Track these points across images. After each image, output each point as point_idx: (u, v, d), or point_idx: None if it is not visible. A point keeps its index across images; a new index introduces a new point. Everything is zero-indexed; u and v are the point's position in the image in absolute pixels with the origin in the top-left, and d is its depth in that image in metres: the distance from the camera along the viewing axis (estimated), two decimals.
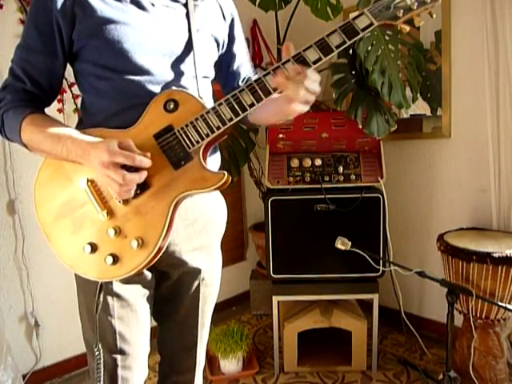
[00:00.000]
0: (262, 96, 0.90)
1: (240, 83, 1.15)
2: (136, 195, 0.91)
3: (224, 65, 1.14)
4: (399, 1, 0.86)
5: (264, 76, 0.90)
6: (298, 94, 0.87)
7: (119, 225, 0.91)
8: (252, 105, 0.91)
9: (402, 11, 0.86)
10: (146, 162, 0.87)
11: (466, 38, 2.15)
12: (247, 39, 2.66)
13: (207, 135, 0.91)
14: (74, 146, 0.88)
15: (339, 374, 2.11)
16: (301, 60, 0.88)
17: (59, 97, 1.99)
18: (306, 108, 0.91)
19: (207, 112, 0.91)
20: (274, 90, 0.90)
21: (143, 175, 0.87)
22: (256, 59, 2.74)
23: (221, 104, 0.91)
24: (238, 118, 0.91)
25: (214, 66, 1.13)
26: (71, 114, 2.09)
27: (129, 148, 0.86)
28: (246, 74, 1.16)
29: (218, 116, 0.91)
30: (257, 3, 2.26)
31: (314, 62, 0.88)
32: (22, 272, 2.04)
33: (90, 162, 0.87)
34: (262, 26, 2.76)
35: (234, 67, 1.14)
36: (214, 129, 0.91)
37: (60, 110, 2.02)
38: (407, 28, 0.90)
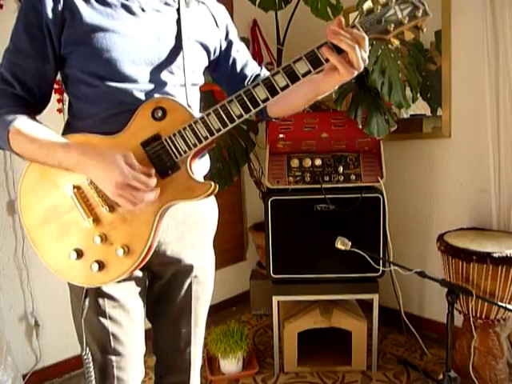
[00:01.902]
0: (251, 107, 0.90)
1: (247, 83, 1.14)
2: None
3: (226, 70, 1.13)
4: (390, 14, 0.86)
5: (253, 87, 0.89)
6: (354, 49, 0.82)
7: (105, 232, 0.91)
8: (240, 116, 0.90)
9: (392, 25, 0.86)
10: (152, 182, 0.87)
11: (466, 38, 2.15)
12: (247, 39, 2.66)
13: (195, 145, 0.91)
14: (64, 157, 0.88)
15: (339, 373, 2.11)
16: (290, 72, 0.87)
17: (59, 97, 1.99)
18: (350, 76, 0.87)
19: (195, 122, 0.90)
20: (263, 101, 0.89)
21: (154, 194, 0.88)
22: (256, 59, 2.74)
23: (209, 114, 0.90)
24: (226, 128, 0.91)
25: (215, 72, 1.14)
26: None
27: (133, 166, 0.86)
28: (251, 73, 1.15)
29: (206, 126, 0.90)
30: (257, 3, 2.26)
31: (304, 75, 0.88)
32: (22, 272, 2.04)
33: (89, 173, 0.87)
34: (262, 26, 2.76)
35: (238, 70, 1.14)
36: (202, 139, 0.90)
37: (60, 110, 2.02)
38: (397, 42, 0.89)
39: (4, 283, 2.00)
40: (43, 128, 0.93)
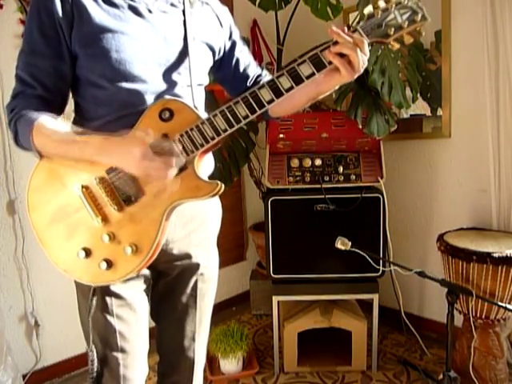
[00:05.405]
0: (256, 108, 0.92)
1: (250, 84, 1.17)
2: (130, 202, 0.93)
3: (229, 70, 1.15)
4: (390, 19, 0.89)
5: (258, 89, 0.91)
6: (355, 52, 0.87)
7: (113, 231, 0.93)
8: (246, 116, 0.92)
9: (393, 29, 0.89)
10: (177, 149, 0.91)
11: (466, 38, 2.15)
12: (247, 39, 2.66)
13: (202, 145, 0.92)
14: (86, 145, 0.89)
15: (339, 374, 2.11)
16: (294, 74, 0.90)
17: None
18: (350, 78, 0.91)
19: (202, 123, 0.92)
20: (268, 102, 0.91)
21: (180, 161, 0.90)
22: (256, 59, 2.74)
23: (216, 115, 0.92)
24: (233, 129, 0.93)
25: (219, 71, 1.16)
26: (71, 114, 2.08)
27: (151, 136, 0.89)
28: (253, 73, 1.18)
29: (213, 127, 0.92)
30: (257, 3, 2.27)
31: (308, 77, 0.90)
32: (22, 272, 2.04)
33: (111, 155, 0.89)
34: (262, 26, 2.76)
35: (241, 70, 1.16)
36: (209, 139, 0.92)
37: None
38: (397, 45, 0.93)
39: (4, 283, 2.00)
40: (64, 124, 0.94)
